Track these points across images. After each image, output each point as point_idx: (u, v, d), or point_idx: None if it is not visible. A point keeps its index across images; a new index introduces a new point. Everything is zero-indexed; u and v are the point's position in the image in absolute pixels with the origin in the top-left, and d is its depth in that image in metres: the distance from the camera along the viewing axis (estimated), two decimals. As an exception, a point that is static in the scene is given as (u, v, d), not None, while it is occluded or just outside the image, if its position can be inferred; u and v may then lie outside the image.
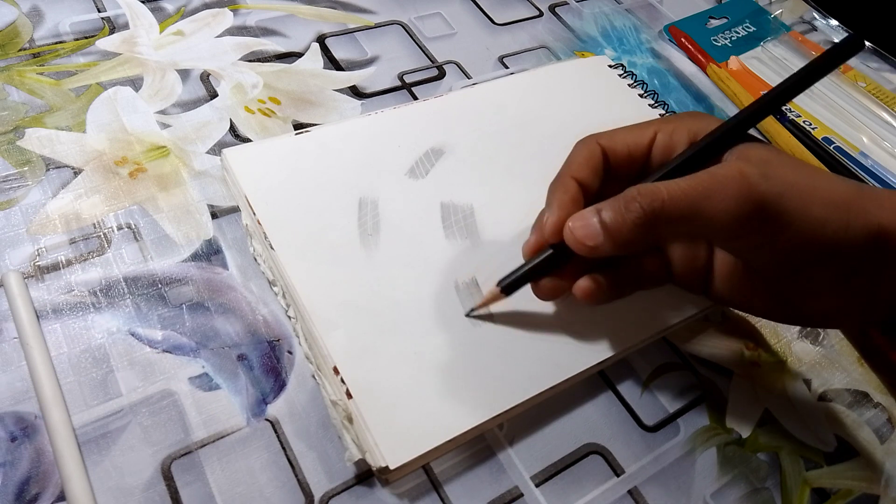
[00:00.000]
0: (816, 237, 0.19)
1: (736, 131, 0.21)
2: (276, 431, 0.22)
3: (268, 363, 0.24)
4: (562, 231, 0.22)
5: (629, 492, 0.23)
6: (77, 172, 0.28)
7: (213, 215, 0.28)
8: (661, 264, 0.24)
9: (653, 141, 0.23)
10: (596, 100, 0.35)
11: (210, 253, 0.26)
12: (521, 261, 0.24)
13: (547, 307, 0.26)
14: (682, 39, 0.42)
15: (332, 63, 0.35)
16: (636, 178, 0.22)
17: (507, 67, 0.37)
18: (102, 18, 0.34)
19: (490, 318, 0.25)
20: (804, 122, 0.38)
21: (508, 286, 0.24)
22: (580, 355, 0.25)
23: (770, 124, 0.38)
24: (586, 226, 0.21)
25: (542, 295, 0.24)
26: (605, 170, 0.23)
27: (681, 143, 0.23)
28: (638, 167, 0.23)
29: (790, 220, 0.19)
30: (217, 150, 0.30)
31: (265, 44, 0.35)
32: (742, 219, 0.19)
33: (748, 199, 0.19)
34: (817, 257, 0.20)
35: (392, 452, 0.21)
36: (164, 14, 0.35)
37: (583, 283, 0.23)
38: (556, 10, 0.42)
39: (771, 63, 0.42)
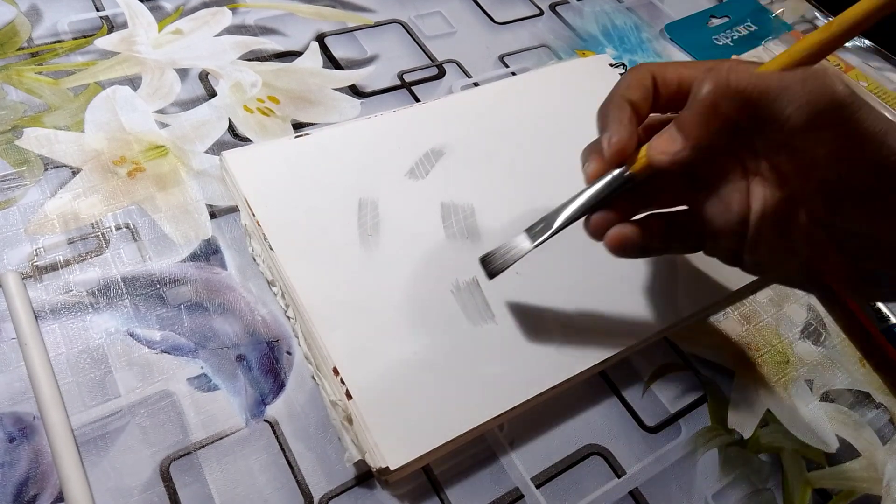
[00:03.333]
0: None
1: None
2: (275, 432, 0.22)
3: (267, 364, 0.24)
4: (625, 152, 0.21)
5: (630, 493, 0.23)
6: (75, 172, 0.28)
7: (212, 215, 0.28)
8: (695, 222, 0.22)
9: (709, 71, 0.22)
10: (597, 99, 0.35)
11: (209, 253, 0.26)
12: (525, 259, 0.23)
13: (547, 307, 0.26)
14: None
15: (332, 62, 0.35)
16: None
17: (507, 66, 0.37)
18: (101, 17, 0.34)
19: (491, 317, 0.25)
20: (806, 121, 0.38)
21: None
22: (581, 355, 0.25)
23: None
24: (664, 136, 0.20)
25: (593, 229, 0.22)
26: (654, 98, 0.22)
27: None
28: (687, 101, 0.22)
29: (867, 134, 0.18)
30: (216, 149, 0.30)
31: (264, 42, 0.35)
32: (816, 112, 0.18)
33: (824, 93, 0.18)
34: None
35: (392, 453, 0.21)
36: (162, 13, 0.35)
37: (615, 231, 0.22)
38: (557, 8, 0.42)
39: (772, 62, 0.42)
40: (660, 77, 0.22)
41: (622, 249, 0.22)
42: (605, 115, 0.22)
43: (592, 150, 0.23)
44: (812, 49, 0.20)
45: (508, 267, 0.24)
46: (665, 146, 0.20)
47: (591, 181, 0.22)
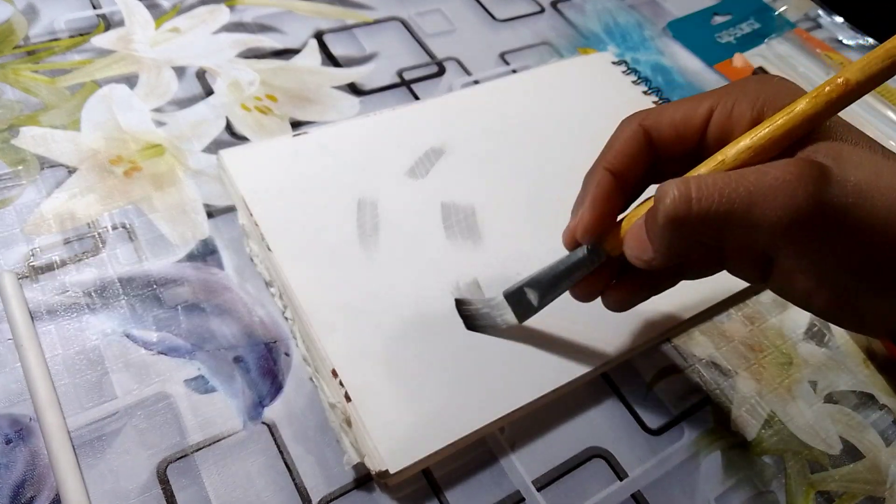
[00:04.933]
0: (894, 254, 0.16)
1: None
2: (273, 435, 0.22)
3: (264, 365, 0.24)
4: (593, 232, 0.20)
5: (632, 496, 0.23)
6: (72, 171, 0.27)
7: (209, 214, 0.27)
8: (712, 253, 0.21)
9: (708, 118, 0.19)
10: (599, 97, 0.34)
11: (206, 253, 0.26)
12: (527, 261, 0.23)
13: (548, 309, 0.25)
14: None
15: (330, 60, 0.35)
16: (694, 158, 0.19)
17: (508, 64, 0.37)
18: (98, 15, 0.34)
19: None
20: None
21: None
22: (583, 358, 0.24)
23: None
24: (636, 236, 0.19)
25: (581, 300, 0.22)
26: (649, 154, 0.20)
27: (742, 122, 0.19)
28: (691, 147, 0.20)
29: (858, 232, 0.16)
30: (213, 148, 0.29)
31: (262, 40, 0.35)
32: (793, 230, 0.16)
33: (801, 210, 0.16)
34: (892, 274, 0.17)
35: (392, 456, 0.21)
36: (159, 10, 0.35)
37: (611, 296, 0.21)
38: (558, 5, 0.41)
39: (776, 61, 0.41)
40: (653, 129, 0.20)
41: (623, 310, 0.22)
42: (584, 184, 0.21)
43: (572, 214, 0.21)
44: (781, 134, 0.17)
45: (488, 332, 0.24)
46: (637, 249, 0.19)
47: (567, 249, 0.21)
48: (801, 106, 0.17)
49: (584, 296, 0.22)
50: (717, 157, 0.18)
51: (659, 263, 0.18)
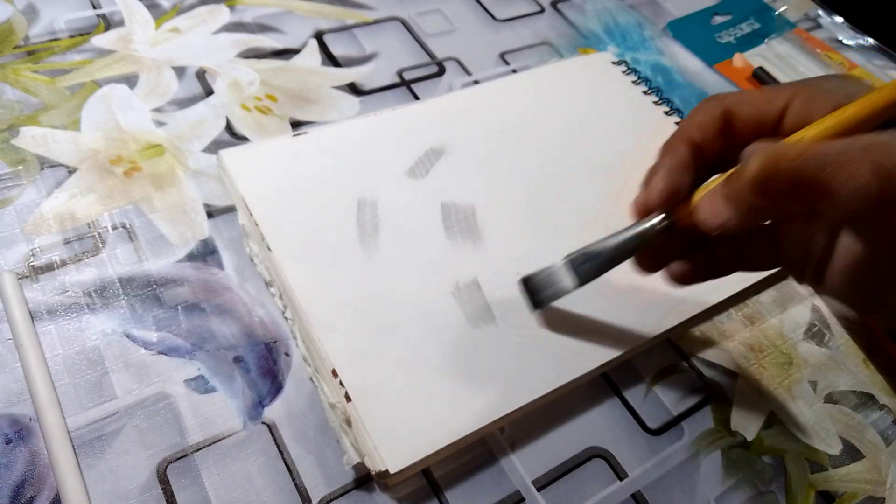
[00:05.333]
0: None
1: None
2: (273, 435, 0.22)
3: (264, 365, 0.24)
4: (667, 199, 0.20)
5: (632, 496, 0.23)
6: (72, 171, 0.27)
7: (209, 214, 0.27)
8: (770, 246, 0.21)
9: (786, 107, 0.20)
10: (599, 97, 0.34)
11: (206, 253, 0.26)
12: (527, 260, 0.23)
13: (548, 310, 0.25)
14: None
15: (330, 60, 0.35)
16: None
17: (508, 64, 0.37)
18: (98, 15, 0.34)
19: (492, 319, 0.25)
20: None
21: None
22: (583, 358, 0.24)
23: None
24: (710, 201, 0.19)
25: (643, 270, 0.22)
26: (726, 134, 0.21)
27: (820, 113, 0.19)
28: (767, 133, 0.20)
29: None
30: (213, 148, 0.29)
31: (262, 40, 0.35)
32: (874, 199, 0.16)
33: (890, 176, 0.16)
34: None
35: (392, 456, 0.21)
36: (159, 10, 0.35)
37: (675, 268, 0.21)
38: (558, 6, 0.41)
39: (776, 61, 0.41)
40: (734, 111, 0.20)
41: (684, 284, 0.22)
42: (661, 154, 0.21)
43: (643, 185, 0.21)
44: (865, 115, 0.18)
45: (551, 303, 0.24)
46: (713, 213, 0.19)
47: (635, 218, 0.21)
48: (888, 89, 0.18)
49: (648, 265, 0.22)
50: (797, 136, 0.19)
51: (735, 224, 0.18)
